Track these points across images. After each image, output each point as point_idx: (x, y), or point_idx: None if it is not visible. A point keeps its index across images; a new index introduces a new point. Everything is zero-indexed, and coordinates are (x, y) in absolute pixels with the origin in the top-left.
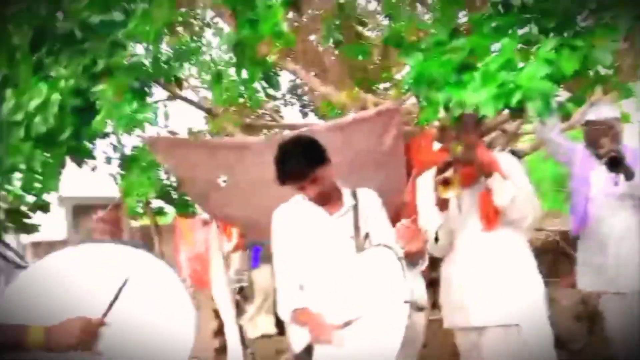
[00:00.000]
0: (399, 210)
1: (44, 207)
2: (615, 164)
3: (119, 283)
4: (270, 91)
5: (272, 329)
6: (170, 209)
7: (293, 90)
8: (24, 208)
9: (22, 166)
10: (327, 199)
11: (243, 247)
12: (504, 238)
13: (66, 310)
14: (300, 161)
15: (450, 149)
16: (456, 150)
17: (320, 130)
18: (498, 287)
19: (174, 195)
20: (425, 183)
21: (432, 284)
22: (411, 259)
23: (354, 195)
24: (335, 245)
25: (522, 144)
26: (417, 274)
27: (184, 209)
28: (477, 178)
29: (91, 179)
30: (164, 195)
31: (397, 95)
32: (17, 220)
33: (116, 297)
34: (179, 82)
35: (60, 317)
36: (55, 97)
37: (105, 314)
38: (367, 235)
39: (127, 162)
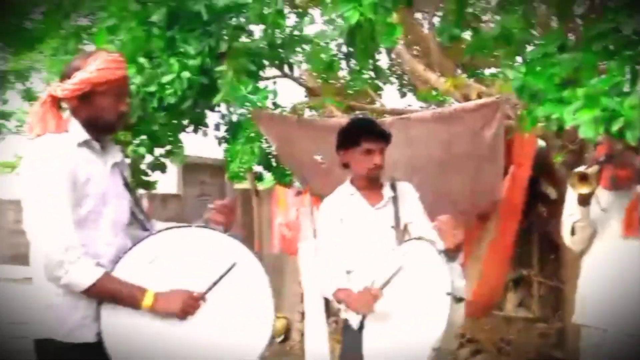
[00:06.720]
0: (492, 206)
1: (162, 167)
2: None
3: (222, 269)
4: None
5: None
6: (268, 175)
7: (391, 67)
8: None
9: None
10: (374, 186)
11: None
12: None
13: (172, 283)
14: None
15: (611, 146)
16: (617, 149)
17: (424, 119)
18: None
19: (274, 163)
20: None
21: (518, 283)
22: (449, 253)
23: (393, 187)
24: (377, 235)
25: None
26: (455, 267)
27: (282, 177)
28: (632, 182)
29: (198, 140)
30: (264, 162)
31: (503, 88)
32: (138, 177)
33: (219, 280)
34: (290, 64)
35: (166, 287)
36: (185, 74)
37: (207, 291)
38: (405, 227)
39: (234, 129)
